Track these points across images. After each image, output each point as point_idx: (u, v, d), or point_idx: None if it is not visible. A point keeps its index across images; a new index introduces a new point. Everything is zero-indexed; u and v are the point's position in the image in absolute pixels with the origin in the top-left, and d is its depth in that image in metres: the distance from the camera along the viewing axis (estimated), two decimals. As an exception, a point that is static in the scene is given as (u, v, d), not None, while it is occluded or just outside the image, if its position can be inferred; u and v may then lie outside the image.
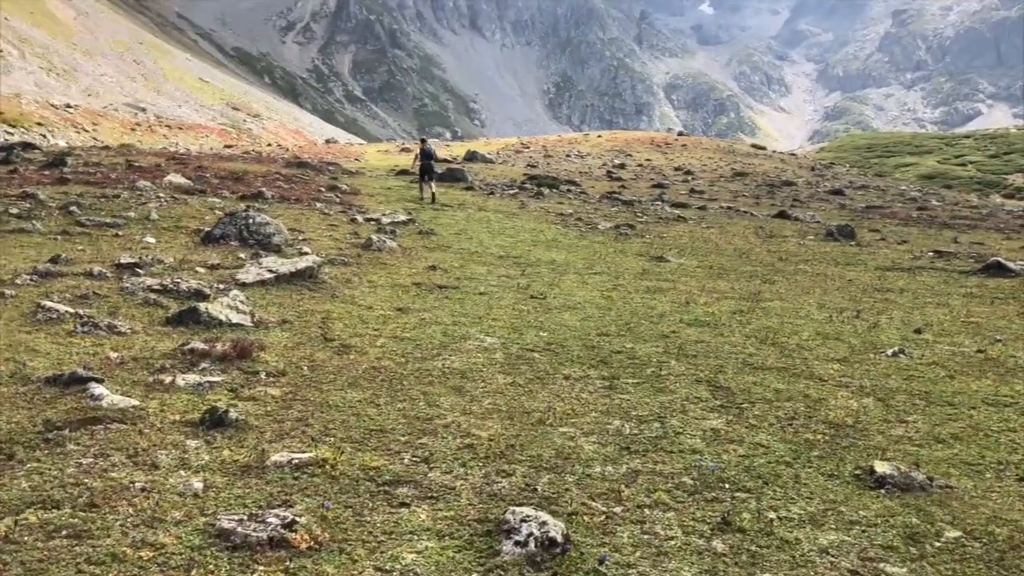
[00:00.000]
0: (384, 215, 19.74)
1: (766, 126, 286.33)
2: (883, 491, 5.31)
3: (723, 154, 61.67)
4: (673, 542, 4.49)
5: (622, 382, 7.54)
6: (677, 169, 48.67)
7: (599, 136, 76.48)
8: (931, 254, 19.09)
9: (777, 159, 62.47)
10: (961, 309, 12.38)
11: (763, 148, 75.00)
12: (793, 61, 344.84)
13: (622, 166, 48.87)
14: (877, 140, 74.63)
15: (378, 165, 40.86)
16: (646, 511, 4.84)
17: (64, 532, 4.17)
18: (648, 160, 54.12)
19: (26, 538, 4.09)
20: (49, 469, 4.87)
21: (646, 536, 4.54)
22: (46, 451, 5.12)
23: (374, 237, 15.53)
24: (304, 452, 5.29)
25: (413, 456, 5.42)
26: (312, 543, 4.20)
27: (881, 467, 5.54)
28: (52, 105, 70.44)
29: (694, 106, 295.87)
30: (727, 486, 5.26)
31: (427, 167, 24.96)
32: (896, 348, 9.32)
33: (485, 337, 8.93)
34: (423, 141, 27.59)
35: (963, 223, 28.59)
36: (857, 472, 5.59)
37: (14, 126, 59.28)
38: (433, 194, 24.57)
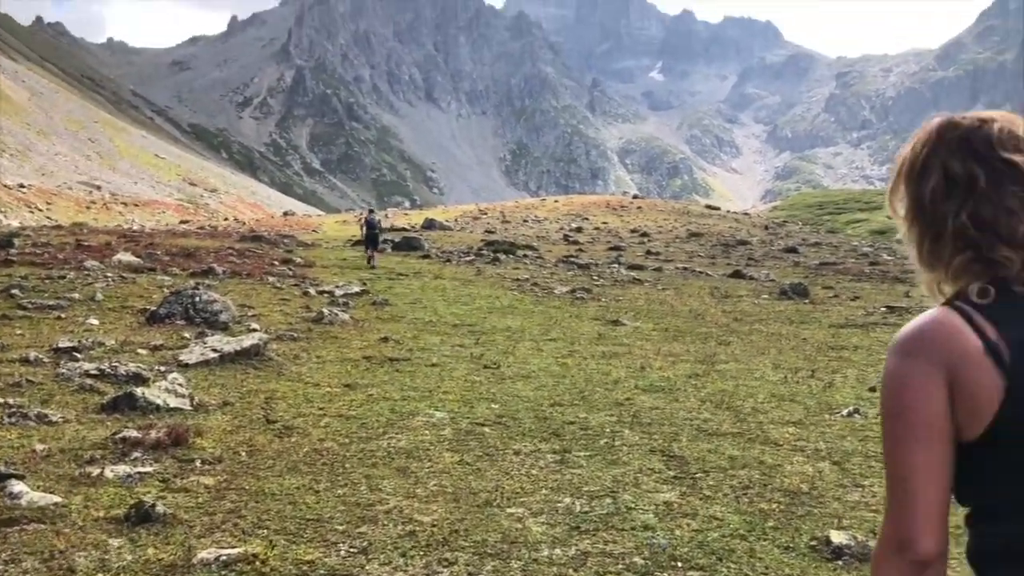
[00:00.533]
0: (337, 287, 19.50)
1: (719, 187, 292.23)
2: (840, 563, 5.12)
3: (678, 215, 62.47)
4: (623, 631, 4.25)
5: (574, 455, 7.33)
6: (633, 231, 49.13)
7: (556, 201, 77.21)
8: (884, 309, 19.25)
9: (731, 219, 63.40)
10: (914, 365, 12.37)
11: (717, 208, 76.14)
12: (743, 124, 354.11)
13: (579, 230, 49.23)
14: (828, 197, 76.15)
15: (335, 236, 40.73)
16: (595, 597, 4.61)
17: (-38, 652, 3.84)
18: (605, 223, 54.64)
19: (-82, 661, 3.75)
20: (-47, 580, 4.53)
21: (594, 625, 4.30)
22: (-47, 559, 4.77)
23: (326, 310, 15.28)
24: (234, 548, 4.99)
25: (350, 547, 5.14)
26: (235, 651, 3.90)
27: (837, 537, 5.37)
28: (5, 185, 69.72)
29: (648, 169, 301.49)
30: (679, 564, 5.05)
31: (372, 236, 26.95)
32: (851, 408, 9.23)
33: (434, 412, 8.69)
34: (370, 212, 30.46)
35: (914, 276, 28.97)
36: (813, 543, 5.40)
37: (-36, 208, 58.41)
38: (370, 258, 26.23)
